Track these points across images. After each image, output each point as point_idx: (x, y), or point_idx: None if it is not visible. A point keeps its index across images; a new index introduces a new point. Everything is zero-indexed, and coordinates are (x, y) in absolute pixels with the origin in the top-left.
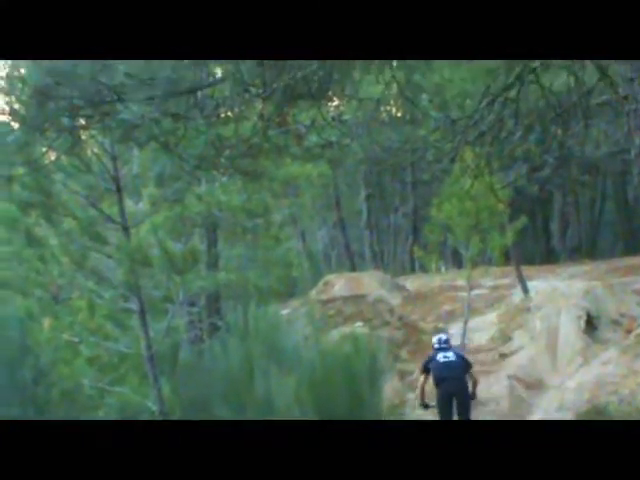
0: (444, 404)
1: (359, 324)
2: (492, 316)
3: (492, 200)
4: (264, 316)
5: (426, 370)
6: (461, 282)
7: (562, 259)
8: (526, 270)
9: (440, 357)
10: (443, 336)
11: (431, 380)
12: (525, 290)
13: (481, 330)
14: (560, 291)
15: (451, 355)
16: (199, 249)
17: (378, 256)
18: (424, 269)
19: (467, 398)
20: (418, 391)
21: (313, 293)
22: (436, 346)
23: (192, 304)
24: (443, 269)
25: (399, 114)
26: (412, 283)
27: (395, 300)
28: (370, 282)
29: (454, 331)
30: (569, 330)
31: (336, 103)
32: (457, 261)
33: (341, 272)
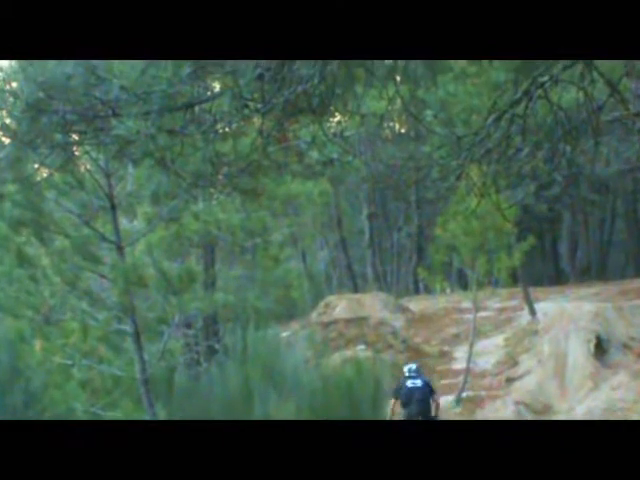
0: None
1: (361, 347)
2: (498, 339)
3: (499, 219)
4: (263, 339)
5: (396, 395)
6: (467, 304)
7: (571, 280)
8: (534, 292)
9: (409, 383)
10: (413, 366)
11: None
12: (533, 312)
13: (487, 354)
14: (569, 313)
15: (418, 382)
16: (196, 269)
17: (381, 277)
18: (428, 290)
19: (429, 418)
20: (389, 413)
21: (314, 315)
22: (406, 374)
23: (188, 326)
24: (448, 290)
25: (403, 130)
26: (416, 305)
27: (398, 322)
28: (373, 304)
29: (459, 354)
30: (578, 354)
31: (338, 119)
32: (463, 282)
33: (343, 293)
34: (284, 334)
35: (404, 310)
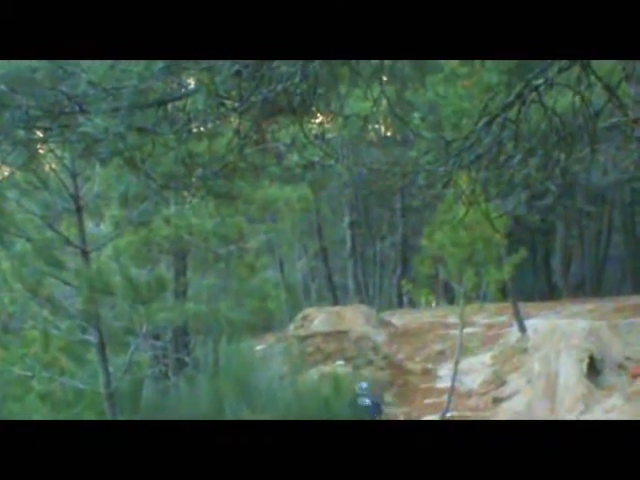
0: None
1: (340, 363)
2: (486, 357)
3: (488, 230)
4: (236, 352)
5: None
6: (453, 319)
7: (564, 296)
8: (524, 307)
9: (358, 402)
10: (364, 384)
11: None
12: (522, 329)
13: (474, 372)
14: (561, 331)
15: (367, 402)
16: (166, 277)
17: (362, 289)
18: (413, 304)
19: None
20: None
21: (291, 328)
22: (357, 392)
23: (157, 337)
24: (433, 304)
25: (388, 134)
26: (399, 319)
27: (380, 337)
28: (353, 317)
29: (444, 372)
30: (570, 374)
31: (320, 120)
32: (449, 296)
33: (322, 305)
34: (259, 347)
35: (386, 324)
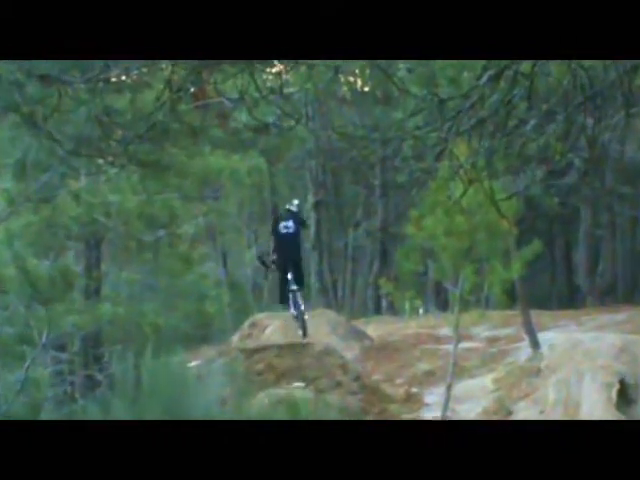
0: (279, 265)
1: (298, 385)
2: (487, 380)
3: (493, 216)
4: (164, 369)
5: (270, 231)
6: (446, 330)
7: (589, 302)
8: (538, 316)
9: (282, 227)
10: (296, 201)
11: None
12: (535, 344)
13: (471, 399)
14: (584, 348)
15: (290, 224)
16: (74, 270)
17: (329, 289)
18: (394, 310)
19: (299, 262)
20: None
21: (235, 339)
22: (287, 206)
23: (61, 348)
24: (421, 311)
25: (366, 89)
26: (376, 329)
27: (351, 352)
28: (317, 325)
29: (433, 399)
30: (595, 403)
31: (277, 69)
32: (441, 301)
33: (276, 310)
34: (193, 363)
35: (360, 336)
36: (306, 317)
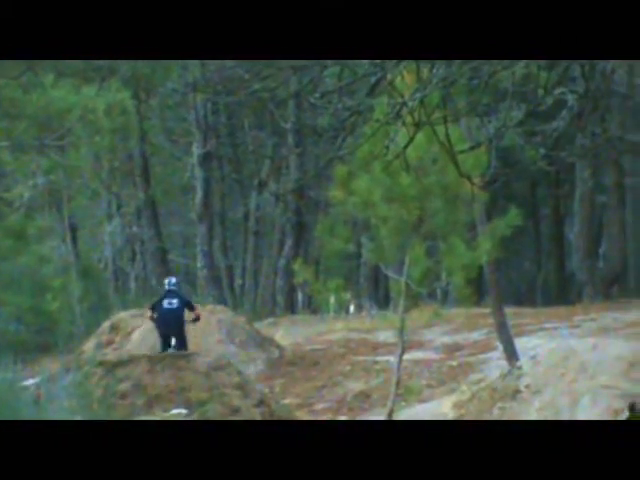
0: (162, 341)
1: (179, 412)
2: (444, 405)
3: (452, 174)
4: None
5: (153, 307)
6: (386, 335)
7: (587, 297)
8: (516, 316)
9: (165, 303)
10: (173, 279)
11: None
12: (511, 355)
13: None
14: (580, 360)
15: (175, 302)
16: None
17: (223, 276)
18: (313, 307)
19: (182, 339)
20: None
21: (89, 347)
22: (166, 287)
23: None
24: (352, 308)
25: None
26: (288, 334)
27: (253, 366)
28: (204, 328)
29: None
30: None
31: None
32: (380, 293)
33: (146, 306)
34: (30, 382)
35: (265, 343)
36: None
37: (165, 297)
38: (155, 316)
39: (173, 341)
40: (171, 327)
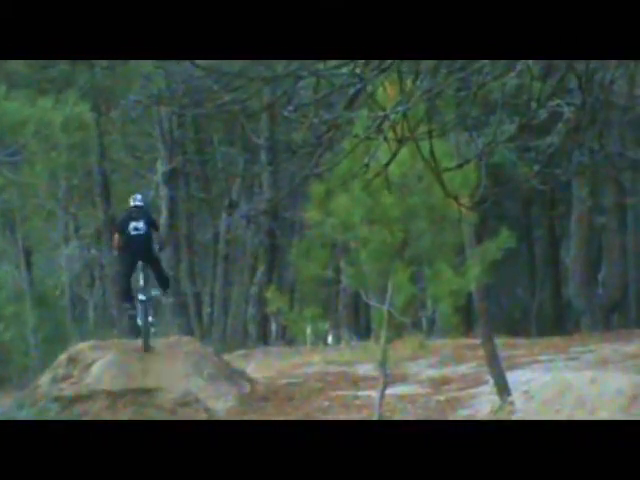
0: (126, 266)
1: None
2: None
3: (438, 194)
4: None
5: (119, 229)
6: (367, 368)
7: (585, 326)
8: (508, 347)
9: (132, 229)
10: (138, 196)
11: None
12: (503, 390)
13: None
14: (578, 395)
15: (141, 226)
16: None
17: (191, 303)
18: (288, 337)
19: (156, 264)
20: (115, 244)
21: (45, 381)
22: (131, 203)
23: None
24: (330, 339)
25: None
26: (261, 367)
27: (223, 401)
28: (170, 360)
29: None
30: None
31: None
32: (361, 323)
33: (107, 335)
34: None
35: (236, 377)
36: (153, 330)
37: (130, 218)
38: (121, 244)
39: (141, 281)
40: (141, 254)
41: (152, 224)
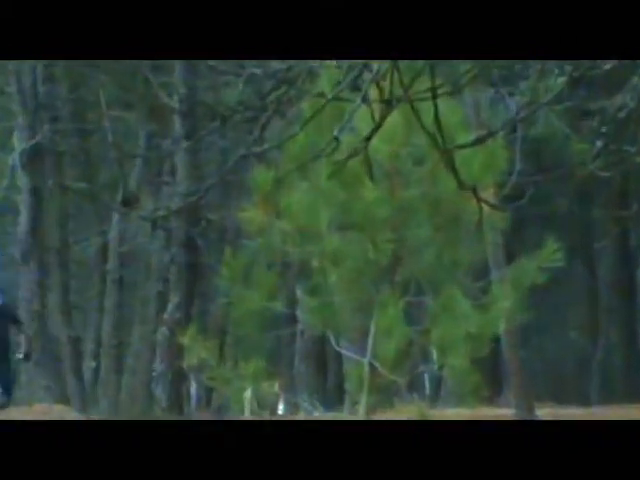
0: None
1: None
2: None
3: (447, 184)
4: None
5: None
6: None
7: None
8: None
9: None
10: None
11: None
12: None
13: None
14: None
15: None
16: None
17: (65, 355)
18: (216, 406)
19: (14, 355)
20: None
21: None
22: None
23: None
24: (280, 408)
25: None
26: None
27: None
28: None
29: None
30: None
31: None
32: (328, 384)
33: None
34: None
35: None
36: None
37: None
38: None
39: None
40: None
41: (15, 321)
